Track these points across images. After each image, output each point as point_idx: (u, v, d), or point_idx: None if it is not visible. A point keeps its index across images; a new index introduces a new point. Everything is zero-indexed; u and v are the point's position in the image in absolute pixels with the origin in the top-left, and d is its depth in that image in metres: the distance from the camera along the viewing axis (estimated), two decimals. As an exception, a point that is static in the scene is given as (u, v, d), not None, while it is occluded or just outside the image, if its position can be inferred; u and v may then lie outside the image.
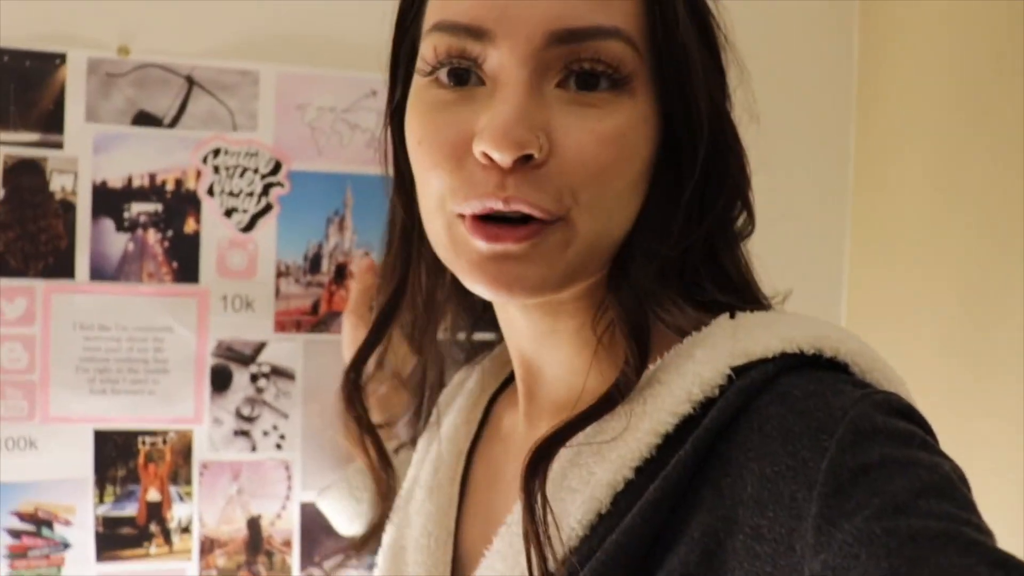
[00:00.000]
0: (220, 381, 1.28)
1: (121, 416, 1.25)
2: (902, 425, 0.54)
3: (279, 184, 1.29)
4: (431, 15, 0.68)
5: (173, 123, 1.25)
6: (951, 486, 0.50)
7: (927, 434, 0.56)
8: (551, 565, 0.61)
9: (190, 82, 1.25)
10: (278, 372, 1.30)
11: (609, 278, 0.68)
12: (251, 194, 1.28)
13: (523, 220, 0.63)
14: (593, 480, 0.62)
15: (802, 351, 0.60)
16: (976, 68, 1.18)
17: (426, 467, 0.85)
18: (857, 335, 0.64)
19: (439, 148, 0.65)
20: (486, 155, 0.62)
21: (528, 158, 0.61)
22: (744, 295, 0.71)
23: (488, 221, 0.64)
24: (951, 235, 1.21)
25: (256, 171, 1.28)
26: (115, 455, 1.25)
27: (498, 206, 0.62)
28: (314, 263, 1.31)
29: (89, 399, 1.23)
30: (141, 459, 1.26)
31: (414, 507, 0.83)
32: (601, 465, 0.63)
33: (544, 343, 0.74)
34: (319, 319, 1.31)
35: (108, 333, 1.24)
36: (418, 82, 0.70)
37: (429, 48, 0.67)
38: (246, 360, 1.29)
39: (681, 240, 0.67)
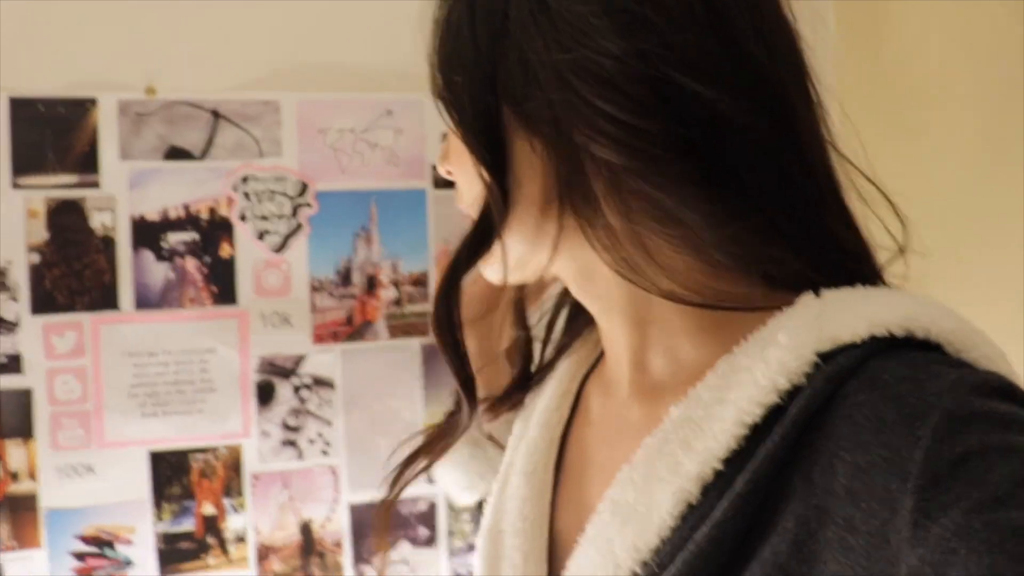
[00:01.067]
0: (265, 395, 1.34)
1: (173, 436, 1.31)
2: (1002, 407, 0.50)
3: (307, 204, 1.35)
4: None
5: (203, 155, 1.32)
6: None
7: None
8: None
9: (216, 115, 1.32)
10: (319, 382, 1.36)
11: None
12: (281, 216, 1.35)
13: None
14: (682, 471, 0.60)
15: (892, 333, 0.57)
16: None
17: (521, 452, 0.83)
18: (954, 311, 0.60)
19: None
20: None
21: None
22: (844, 264, 0.67)
23: None
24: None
25: (285, 194, 1.35)
26: (170, 474, 1.31)
27: None
28: (345, 277, 1.37)
29: (142, 422, 1.30)
30: (195, 476, 1.32)
31: (510, 491, 0.81)
32: (688, 455, 0.61)
33: (625, 324, 0.72)
34: (354, 329, 1.38)
35: (156, 359, 1.30)
36: None
37: None
38: (288, 373, 1.35)
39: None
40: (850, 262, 0.66)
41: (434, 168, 1.40)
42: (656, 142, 0.60)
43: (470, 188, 0.71)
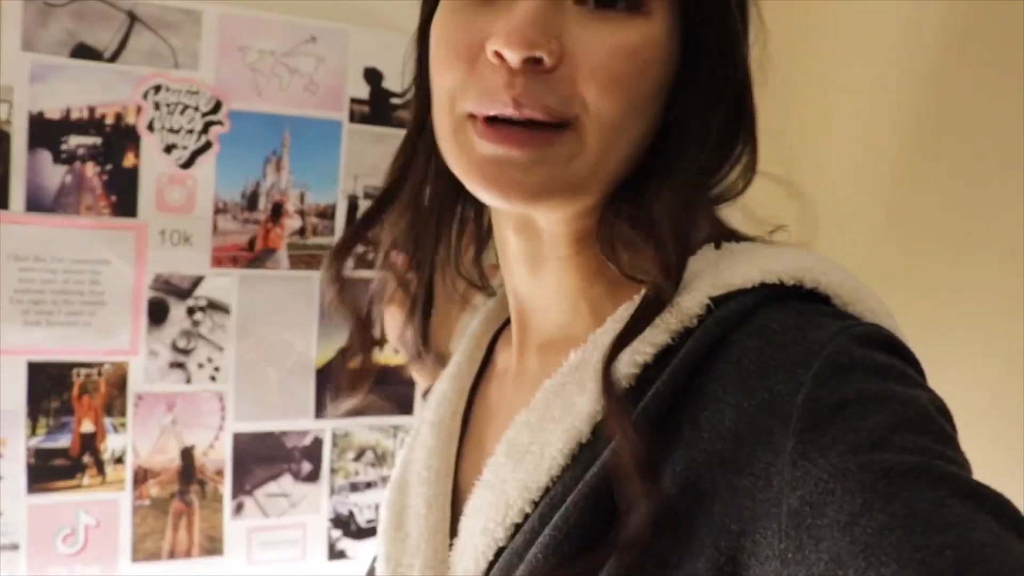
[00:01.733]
0: (157, 314, 1.30)
1: (55, 348, 1.25)
2: (881, 358, 0.53)
3: (219, 123, 1.31)
4: None
5: (114, 57, 1.25)
6: (927, 419, 0.50)
7: (908, 365, 0.55)
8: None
9: (132, 17, 1.26)
10: (214, 306, 1.33)
11: (621, 198, 0.67)
12: (191, 131, 1.30)
13: (533, 126, 0.63)
14: (574, 410, 0.63)
15: (782, 282, 0.60)
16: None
17: (430, 404, 0.86)
18: (843, 266, 0.63)
19: (454, 49, 0.65)
20: (497, 54, 0.61)
21: (538, 61, 0.61)
22: (729, 235, 0.71)
23: (498, 123, 0.64)
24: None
25: (196, 109, 1.30)
26: (48, 387, 1.25)
27: (508, 109, 0.62)
28: (251, 201, 1.34)
29: (22, 331, 1.23)
30: (75, 391, 1.26)
31: (419, 442, 0.84)
32: (582, 395, 0.63)
33: (535, 271, 0.74)
34: (255, 255, 1.35)
35: (43, 264, 1.24)
36: None
37: None
38: (183, 294, 1.31)
39: (697, 170, 0.67)
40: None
41: (352, 101, 1.38)
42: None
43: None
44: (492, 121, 0.64)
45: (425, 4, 0.75)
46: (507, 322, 0.86)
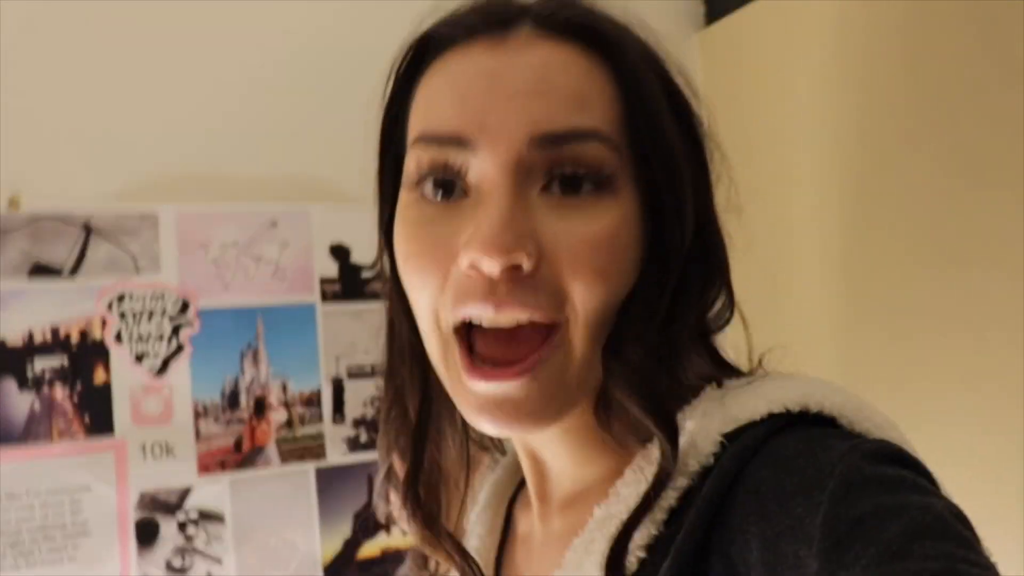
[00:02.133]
0: (146, 535, 1.21)
1: (39, 591, 1.15)
2: (892, 471, 0.54)
3: (188, 324, 1.26)
4: (413, 128, 0.68)
5: (73, 272, 1.21)
6: (945, 525, 0.50)
7: (919, 475, 0.56)
8: None
9: (87, 229, 1.22)
10: (206, 516, 1.24)
11: (607, 370, 0.66)
12: (161, 337, 1.25)
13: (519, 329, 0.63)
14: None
15: (788, 410, 0.61)
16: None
17: None
18: (843, 387, 0.64)
19: (426, 264, 0.64)
20: (473, 266, 0.60)
21: (518, 267, 0.60)
22: (727, 371, 0.71)
23: (482, 360, 0.63)
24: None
25: (164, 313, 1.25)
26: (35, 636, 1.14)
27: (488, 312, 0.61)
28: (232, 399, 1.28)
29: (2, 577, 1.13)
30: (65, 635, 1.16)
31: None
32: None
33: (546, 444, 0.73)
34: (244, 456, 1.27)
35: (18, 502, 1.15)
36: (404, 197, 0.68)
37: (413, 161, 0.66)
38: (172, 508, 1.22)
39: (666, 326, 0.67)
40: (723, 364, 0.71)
41: (322, 281, 1.35)
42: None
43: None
44: (475, 353, 0.63)
45: (383, 203, 0.73)
46: (521, 484, 0.85)
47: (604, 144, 0.63)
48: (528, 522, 0.80)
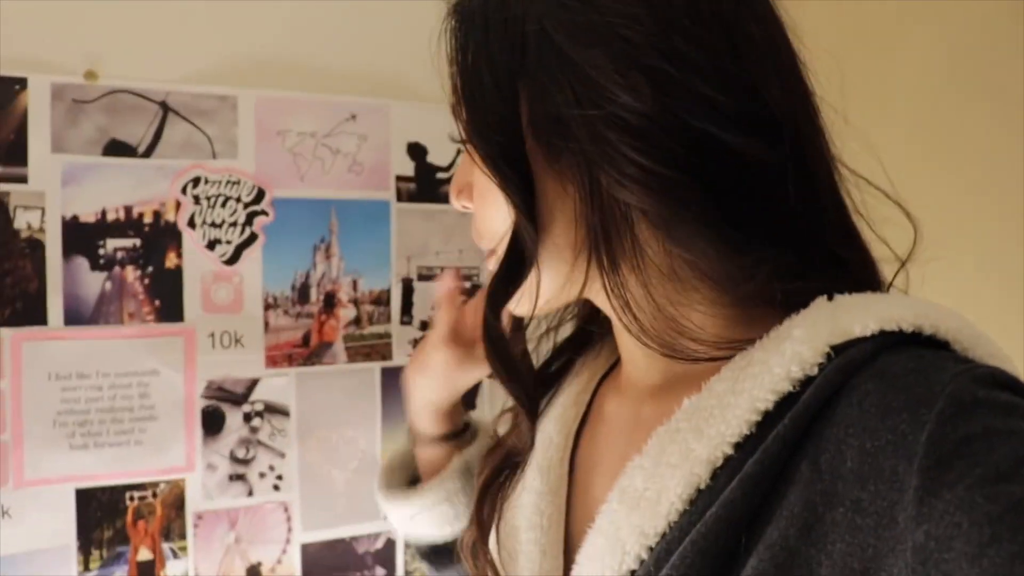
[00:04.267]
0: (212, 424, 1.19)
1: (105, 472, 1.14)
2: (1004, 397, 0.53)
3: (263, 212, 1.23)
4: None
5: (148, 152, 1.17)
6: None
7: None
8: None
9: (165, 108, 1.18)
10: (272, 409, 1.23)
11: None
12: (234, 224, 1.21)
13: None
14: (692, 456, 0.62)
15: (901, 329, 0.60)
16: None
17: (537, 448, 0.83)
18: (959, 313, 0.63)
19: None
20: None
21: None
22: (851, 286, 0.69)
23: None
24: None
25: (239, 200, 1.21)
26: (100, 515, 1.14)
27: None
28: (302, 293, 1.25)
29: (69, 456, 1.12)
30: (129, 516, 1.15)
31: (526, 486, 0.82)
32: (700, 441, 0.63)
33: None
34: (311, 351, 1.25)
35: (88, 382, 1.13)
36: None
37: None
38: (238, 399, 1.21)
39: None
40: (857, 283, 0.69)
41: (398, 179, 1.31)
42: (685, 189, 0.63)
43: (494, 225, 0.72)
44: None
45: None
46: (611, 368, 0.87)
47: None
48: (617, 403, 0.81)
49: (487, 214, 0.73)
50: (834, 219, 0.70)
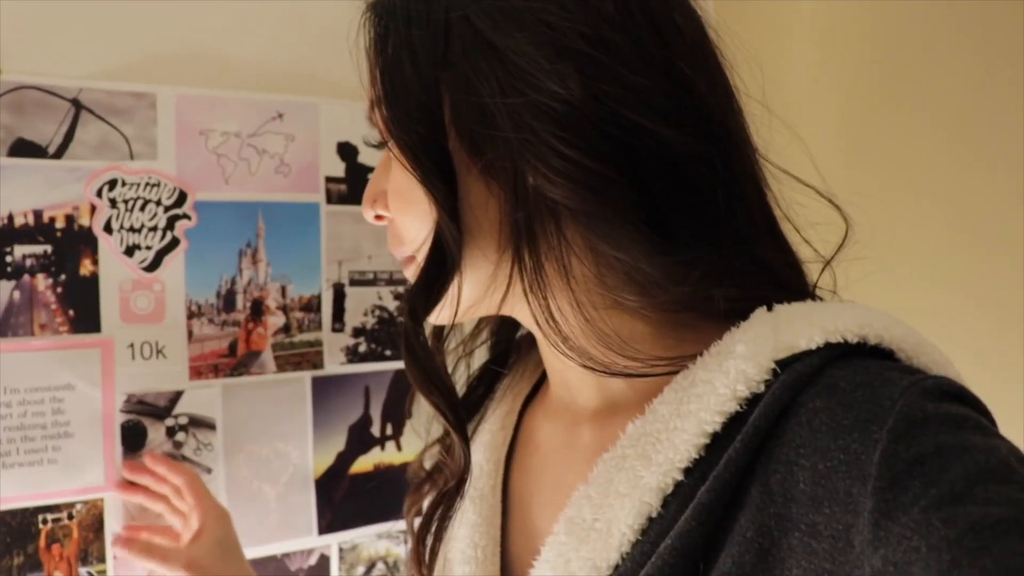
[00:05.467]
0: (132, 440, 1.13)
1: (15, 494, 1.07)
2: (954, 409, 0.53)
3: (185, 216, 1.16)
4: None
5: (59, 152, 1.10)
6: (1009, 469, 0.49)
7: (981, 415, 0.55)
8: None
9: (77, 106, 1.11)
10: (197, 423, 1.17)
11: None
12: (154, 229, 1.15)
13: None
14: (641, 484, 0.61)
15: (846, 340, 0.59)
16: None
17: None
18: (901, 320, 0.62)
19: None
20: None
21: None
22: (784, 284, 0.70)
23: None
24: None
25: (159, 203, 1.15)
26: (9, 540, 1.07)
27: None
28: (228, 300, 1.19)
29: (-25, 477, 1.05)
30: (42, 541, 1.08)
31: (456, 518, 0.79)
32: (648, 468, 0.61)
33: (554, 354, 0.72)
34: (238, 361, 1.20)
35: (-4, 398, 1.06)
36: None
37: None
38: (161, 413, 1.15)
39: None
40: (785, 288, 0.68)
41: (328, 180, 1.26)
42: (612, 184, 0.61)
43: (413, 228, 0.69)
44: None
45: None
46: (534, 389, 0.85)
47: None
48: (551, 427, 0.79)
49: (407, 217, 0.69)
50: (759, 220, 0.69)
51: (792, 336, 0.60)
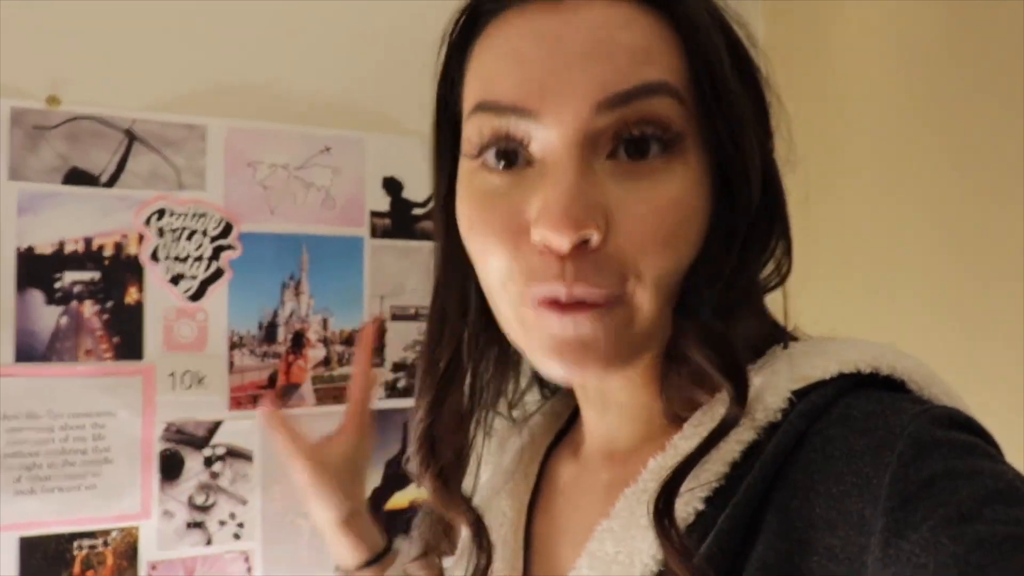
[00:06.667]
0: (170, 468, 1.13)
1: (53, 519, 1.08)
2: (963, 437, 0.54)
3: (230, 247, 1.18)
4: (471, 95, 0.64)
5: (111, 182, 1.12)
6: (1016, 492, 0.50)
7: (989, 445, 0.56)
8: None
9: (130, 136, 1.13)
10: (234, 454, 1.17)
11: (676, 327, 0.64)
12: (200, 258, 1.16)
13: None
14: None
15: (859, 371, 0.61)
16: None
17: (491, 527, 0.79)
18: (911, 353, 0.64)
19: (493, 234, 0.62)
20: (545, 243, 0.58)
21: (587, 241, 0.58)
22: (781, 332, 0.69)
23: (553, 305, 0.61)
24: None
25: (205, 233, 1.16)
26: (45, 565, 1.07)
27: (560, 294, 0.59)
28: (269, 332, 1.20)
29: (13, 501, 1.05)
30: (77, 567, 1.08)
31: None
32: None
33: (606, 400, 0.72)
34: (277, 392, 1.20)
35: (38, 422, 1.07)
36: (465, 166, 0.65)
37: (474, 130, 0.63)
38: (199, 443, 1.15)
39: (733, 283, 0.65)
40: (782, 329, 0.69)
41: (372, 215, 1.26)
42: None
43: (671, 268, 0.62)
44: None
45: (441, 169, 0.70)
46: (560, 435, 0.84)
47: (672, 98, 0.61)
48: (575, 471, 0.78)
49: (670, 248, 0.62)
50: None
51: (808, 368, 0.61)
